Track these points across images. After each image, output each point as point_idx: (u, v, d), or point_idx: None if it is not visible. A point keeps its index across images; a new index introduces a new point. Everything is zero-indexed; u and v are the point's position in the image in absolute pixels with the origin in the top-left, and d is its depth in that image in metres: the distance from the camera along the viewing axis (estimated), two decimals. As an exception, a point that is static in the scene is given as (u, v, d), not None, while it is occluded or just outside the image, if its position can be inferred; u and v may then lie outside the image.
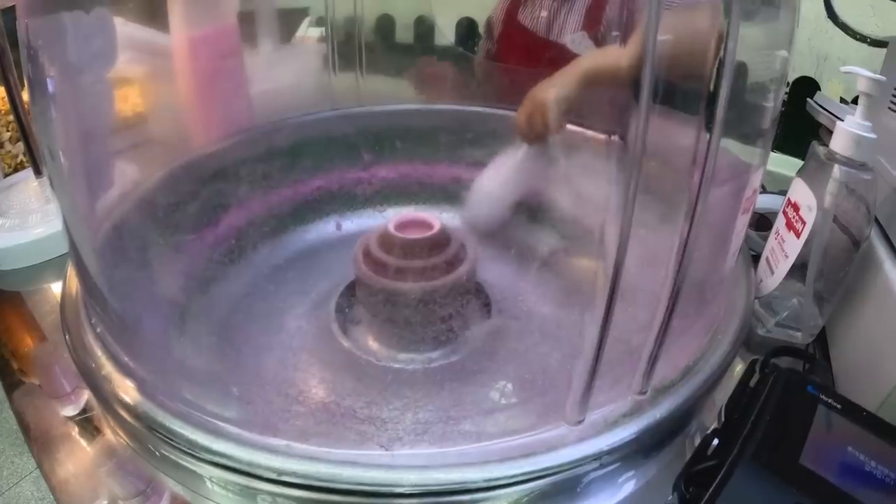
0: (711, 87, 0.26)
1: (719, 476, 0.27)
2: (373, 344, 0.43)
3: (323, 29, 0.64)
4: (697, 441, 0.32)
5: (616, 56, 0.46)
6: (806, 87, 0.99)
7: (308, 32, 0.65)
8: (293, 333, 0.44)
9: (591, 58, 0.48)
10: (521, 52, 0.73)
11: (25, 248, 0.53)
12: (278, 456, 0.27)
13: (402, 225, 0.43)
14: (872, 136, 0.37)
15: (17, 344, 0.45)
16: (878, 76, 0.36)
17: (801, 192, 0.40)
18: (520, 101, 0.50)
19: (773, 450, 0.28)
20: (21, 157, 0.70)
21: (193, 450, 0.29)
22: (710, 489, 0.27)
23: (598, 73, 0.45)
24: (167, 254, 0.43)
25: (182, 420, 0.30)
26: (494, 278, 0.48)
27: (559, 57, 0.52)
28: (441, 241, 0.42)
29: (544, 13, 0.69)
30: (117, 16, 0.40)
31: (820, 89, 0.98)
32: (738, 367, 0.40)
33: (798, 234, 0.39)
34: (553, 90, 0.47)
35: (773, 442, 0.29)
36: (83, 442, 0.36)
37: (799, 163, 0.42)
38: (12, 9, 0.59)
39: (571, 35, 0.68)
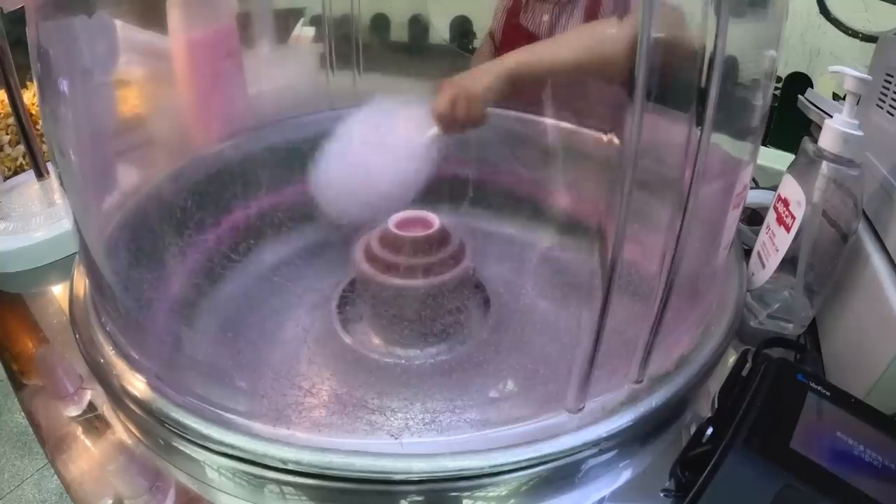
0: (702, 84, 0.27)
1: (712, 461, 0.28)
2: (375, 339, 0.44)
3: (318, 28, 0.65)
4: (693, 430, 0.33)
5: (540, 53, 0.47)
6: (799, 82, 1.00)
7: (304, 32, 0.66)
8: (302, 329, 0.44)
9: (519, 53, 0.47)
10: None
11: (27, 251, 0.53)
12: (291, 447, 0.28)
13: (402, 223, 0.43)
14: (859, 133, 0.38)
15: (20, 346, 0.45)
16: (864, 75, 0.37)
17: (790, 188, 0.41)
18: (516, 101, 0.50)
19: (764, 435, 0.29)
20: (21, 159, 0.70)
21: (205, 442, 0.30)
22: (704, 473, 0.28)
23: (524, 70, 0.46)
24: (172, 252, 0.44)
25: (194, 413, 0.30)
26: (495, 273, 0.48)
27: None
28: (441, 237, 0.43)
29: (546, 17, 0.69)
30: (117, 19, 0.41)
31: (812, 85, 1.00)
32: (732, 358, 0.41)
33: (788, 229, 0.40)
34: (484, 80, 0.46)
35: (764, 428, 0.30)
36: (88, 442, 0.37)
37: (792, 158, 0.43)
38: (11, 12, 0.59)
39: None
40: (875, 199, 0.43)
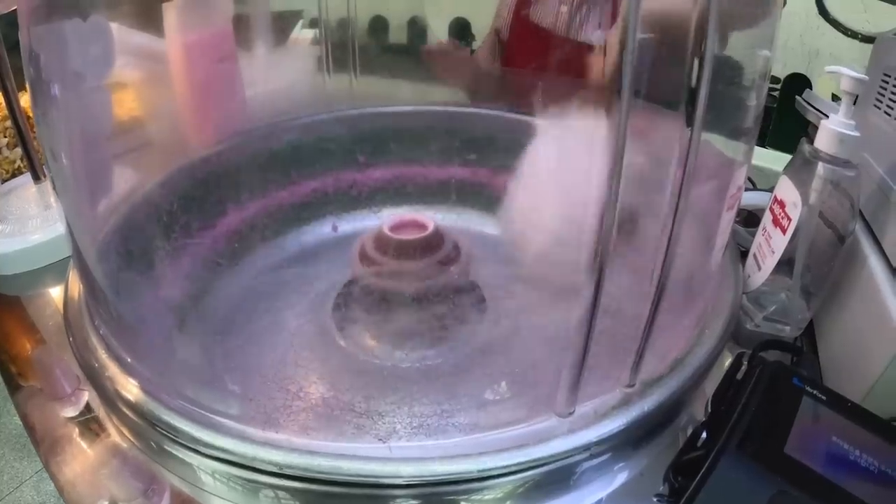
0: (693, 83, 0.26)
1: (705, 466, 0.28)
2: (370, 342, 0.43)
3: (316, 31, 0.65)
4: (689, 433, 0.33)
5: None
6: (799, 83, 1.00)
7: (301, 34, 0.66)
8: (292, 332, 0.44)
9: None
10: (536, 53, 0.71)
11: (24, 254, 0.53)
12: (279, 450, 0.28)
13: (398, 226, 0.43)
14: (855, 133, 0.38)
15: (17, 348, 0.46)
16: (860, 75, 0.37)
17: (786, 190, 0.41)
18: (517, 100, 0.47)
19: (757, 440, 0.29)
20: (18, 162, 0.71)
21: (195, 445, 0.30)
22: (696, 478, 0.28)
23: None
24: (167, 255, 0.44)
25: (185, 416, 0.30)
26: (487, 276, 0.48)
27: (582, 55, 0.48)
28: (435, 241, 0.43)
29: (564, 8, 0.66)
30: (112, 21, 0.41)
31: (811, 86, 0.99)
32: (728, 361, 0.41)
33: (784, 231, 0.40)
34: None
35: (757, 432, 0.29)
36: (84, 444, 0.37)
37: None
38: (7, 15, 0.59)
39: (598, 32, 0.64)
40: (872, 199, 0.43)
